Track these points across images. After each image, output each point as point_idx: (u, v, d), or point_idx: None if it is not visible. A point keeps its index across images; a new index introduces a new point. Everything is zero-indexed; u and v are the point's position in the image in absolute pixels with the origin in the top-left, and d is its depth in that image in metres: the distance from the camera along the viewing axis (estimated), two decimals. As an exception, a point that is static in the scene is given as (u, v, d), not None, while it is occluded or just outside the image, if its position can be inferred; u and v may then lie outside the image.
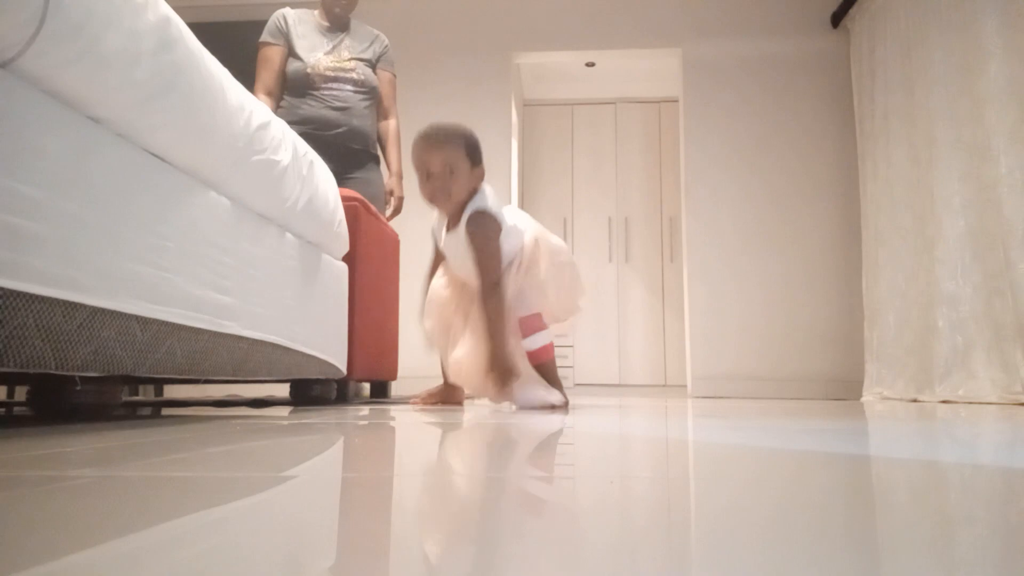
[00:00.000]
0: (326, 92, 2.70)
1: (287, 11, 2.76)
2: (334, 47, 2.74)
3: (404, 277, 3.05)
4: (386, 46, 2.88)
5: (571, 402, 2.23)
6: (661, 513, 0.46)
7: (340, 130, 2.71)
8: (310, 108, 2.68)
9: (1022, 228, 2.66)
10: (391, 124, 2.91)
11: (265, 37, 2.72)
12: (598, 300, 5.27)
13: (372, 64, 2.82)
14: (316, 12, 2.82)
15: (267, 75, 2.68)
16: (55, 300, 0.99)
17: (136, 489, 0.53)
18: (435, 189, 1.85)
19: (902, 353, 3.47)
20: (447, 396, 2.11)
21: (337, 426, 1.22)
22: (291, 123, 2.51)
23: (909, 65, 3.54)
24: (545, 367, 2.01)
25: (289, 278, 1.80)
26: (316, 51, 2.71)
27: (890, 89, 3.73)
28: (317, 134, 2.60)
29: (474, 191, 1.90)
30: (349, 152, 2.73)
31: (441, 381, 2.14)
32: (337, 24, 2.80)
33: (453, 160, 1.83)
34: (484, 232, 1.87)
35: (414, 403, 2.10)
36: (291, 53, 2.71)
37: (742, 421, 1.41)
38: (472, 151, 1.88)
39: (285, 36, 2.72)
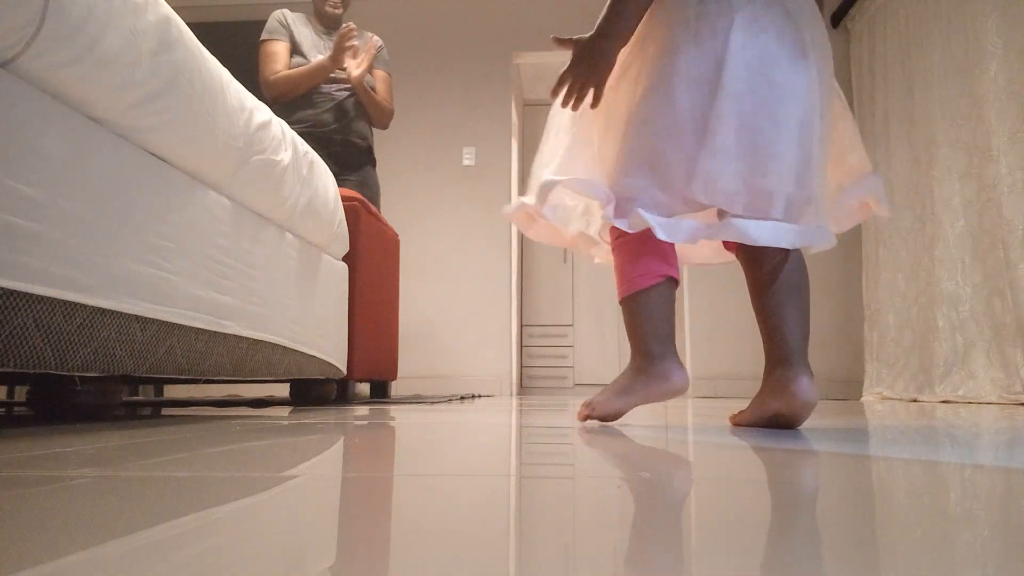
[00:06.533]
0: (324, 93, 2.71)
1: (286, 11, 2.78)
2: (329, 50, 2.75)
3: (404, 277, 3.04)
4: (380, 47, 2.89)
5: (567, 402, 2.18)
6: (661, 513, 0.46)
7: (336, 129, 2.71)
8: (308, 108, 2.69)
9: (1022, 228, 2.66)
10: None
11: (269, 34, 2.71)
12: (598, 300, 5.26)
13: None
14: (309, 16, 2.83)
15: (275, 67, 2.66)
16: (55, 300, 0.99)
17: (136, 489, 0.53)
18: None
19: (902, 353, 3.47)
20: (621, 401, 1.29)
21: (337, 426, 1.22)
22: (288, 122, 2.51)
23: (909, 65, 3.54)
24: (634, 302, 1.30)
25: (289, 278, 1.80)
26: (314, 53, 2.72)
27: (890, 89, 3.73)
28: (314, 132, 2.62)
29: None
30: (345, 153, 2.74)
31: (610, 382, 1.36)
32: (331, 26, 2.82)
33: None
34: None
35: (584, 415, 1.31)
36: (295, 50, 2.71)
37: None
38: None
39: (288, 32, 2.72)
